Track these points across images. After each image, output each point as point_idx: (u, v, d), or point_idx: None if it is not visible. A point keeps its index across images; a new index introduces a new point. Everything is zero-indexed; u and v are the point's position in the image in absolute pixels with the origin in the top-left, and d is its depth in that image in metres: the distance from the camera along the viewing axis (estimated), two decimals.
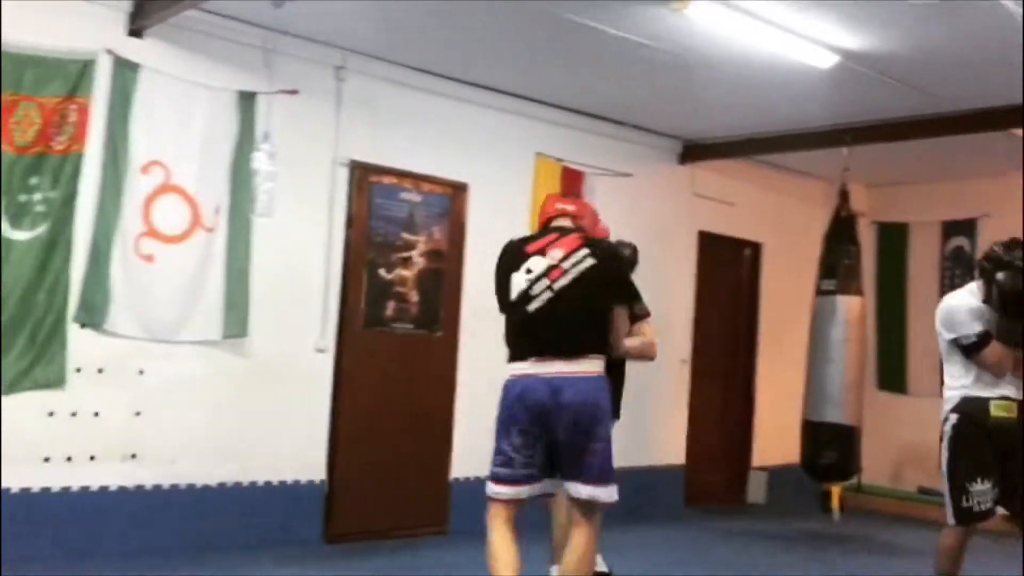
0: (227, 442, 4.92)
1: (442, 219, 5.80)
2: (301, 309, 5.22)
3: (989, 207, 7.63)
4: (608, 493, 3.29)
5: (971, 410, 3.97)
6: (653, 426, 6.98)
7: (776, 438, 7.56)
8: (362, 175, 5.44)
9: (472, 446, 5.84)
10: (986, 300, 3.97)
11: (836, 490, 6.48)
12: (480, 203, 5.95)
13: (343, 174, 5.38)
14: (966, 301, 4.08)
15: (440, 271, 5.78)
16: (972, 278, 8.18)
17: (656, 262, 7.01)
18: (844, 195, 6.45)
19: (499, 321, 5.23)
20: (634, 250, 4.24)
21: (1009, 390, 3.98)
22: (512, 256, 3.44)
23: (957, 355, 4.03)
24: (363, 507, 5.36)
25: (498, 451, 3.40)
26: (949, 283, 7.86)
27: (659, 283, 7.04)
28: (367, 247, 5.46)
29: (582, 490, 3.28)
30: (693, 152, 7.16)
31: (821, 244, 6.49)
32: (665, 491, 6.99)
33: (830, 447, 6.16)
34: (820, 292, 6.38)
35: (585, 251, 3.31)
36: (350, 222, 5.39)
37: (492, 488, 3.38)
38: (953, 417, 4.03)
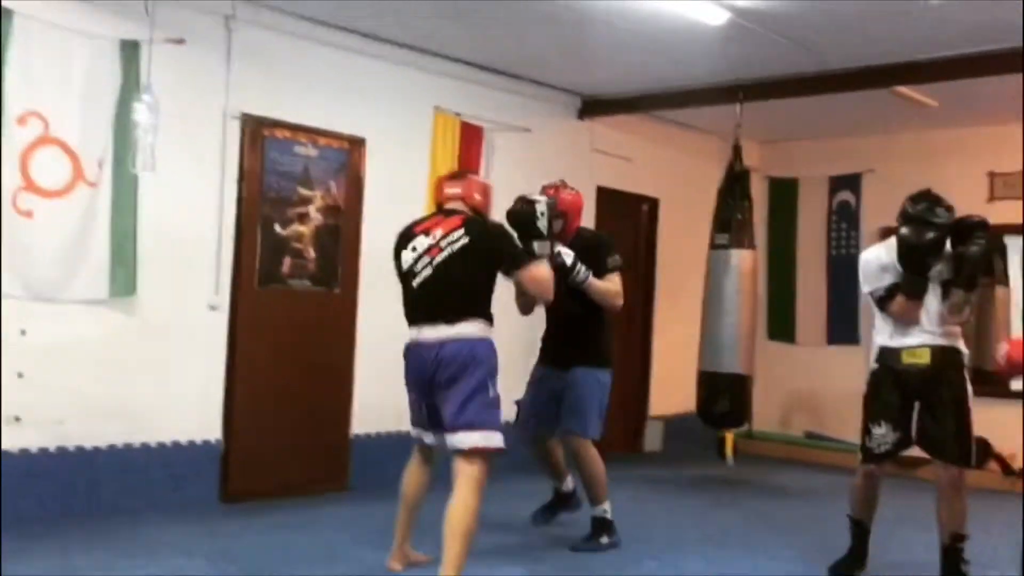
0: (117, 403, 4.79)
1: (339, 174, 5.71)
2: (193, 266, 5.10)
3: (873, 162, 7.93)
4: (479, 439, 3.57)
5: (885, 359, 4.13)
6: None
7: (672, 388, 7.77)
8: (254, 129, 5.31)
9: (373, 402, 5.85)
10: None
11: (730, 436, 6.73)
12: (378, 158, 5.88)
13: (234, 128, 5.24)
14: (876, 255, 4.18)
15: (338, 227, 5.71)
16: (856, 232, 8.59)
17: None
18: (737, 151, 6.58)
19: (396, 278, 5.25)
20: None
21: (924, 337, 4.05)
22: (403, 236, 3.91)
23: (876, 307, 4.18)
24: (261, 466, 5.32)
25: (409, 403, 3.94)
26: (835, 236, 8.18)
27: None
28: (261, 203, 5.34)
29: (452, 438, 3.62)
30: (591, 107, 7.21)
31: (715, 199, 6.64)
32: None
33: (725, 395, 6.36)
34: (714, 246, 6.53)
35: (461, 231, 3.71)
36: (242, 177, 5.26)
37: (412, 429, 4.02)
38: (873, 366, 4.22)
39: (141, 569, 3.91)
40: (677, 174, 7.99)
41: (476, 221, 3.81)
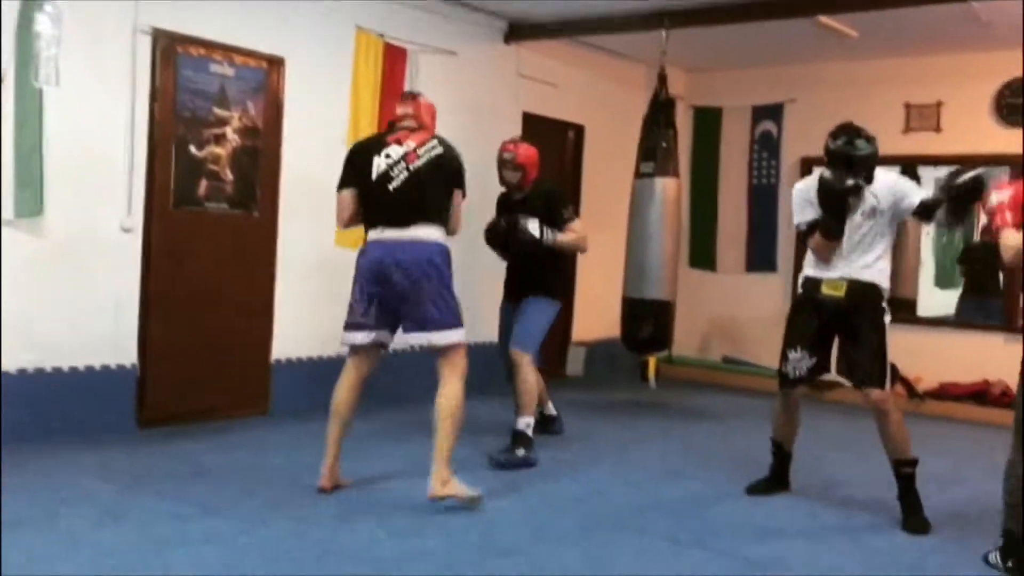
0: (27, 328, 4.64)
1: (257, 94, 5.56)
2: (104, 187, 4.93)
3: (796, 92, 8.02)
4: (445, 336, 3.93)
5: (807, 288, 4.22)
6: (477, 305, 7.09)
7: (596, 315, 7.88)
8: (167, 45, 5.11)
9: (294, 327, 5.81)
10: None
11: (652, 361, 6.86)
12: (298, 78, 5.73)
13: (145, 43, 5.03)
14: (805, 187, 4.22)
15: (256, 149, 5.57)
16: (777, 162, 8.70)
17: (480, 142, 7.01)
18: (663, 79, 6.58)
19: (320, 200, 5.18)
20: None
21: (844, 271, 4.11)
22: (373, 144, 4.15)
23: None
24: (178, 390, 5.25)
25: (350, 307, 4.06)
26: (756, 166, 8.29)
27: (482, 162, 7.05)
28: (175, 123, 5.17)
29: (421, 337, 3.96)
30: (518, 31, 7.11)
31: (641, 127, 6.65)
32: (484, 365, 7.17)
33: (648, 321, 6.46)
34: (639, 174, 6.56)
35: (435, 142, 4.06)
36: (155, 95, 5.08)
37: (344, 337, 4.09)
38: (798, 293, 4.33)
39: (57, 492, 3.85)
40: (603, 101, 7.97)
41: (444, 139, 4.12)
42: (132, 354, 5.09)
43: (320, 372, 5.94)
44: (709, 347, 8.55)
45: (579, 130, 7.94)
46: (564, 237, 4.99)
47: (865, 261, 4.10)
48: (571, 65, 7.66)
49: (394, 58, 6.24)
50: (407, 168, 3.96)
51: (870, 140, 4.03)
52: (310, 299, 5.89)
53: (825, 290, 4.14)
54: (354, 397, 4.11)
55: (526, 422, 4.88)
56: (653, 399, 6.99)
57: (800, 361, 4.22)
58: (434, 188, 3.99)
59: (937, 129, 7.34)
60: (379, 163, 4.00)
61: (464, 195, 4.18)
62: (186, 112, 5.21)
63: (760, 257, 8.21)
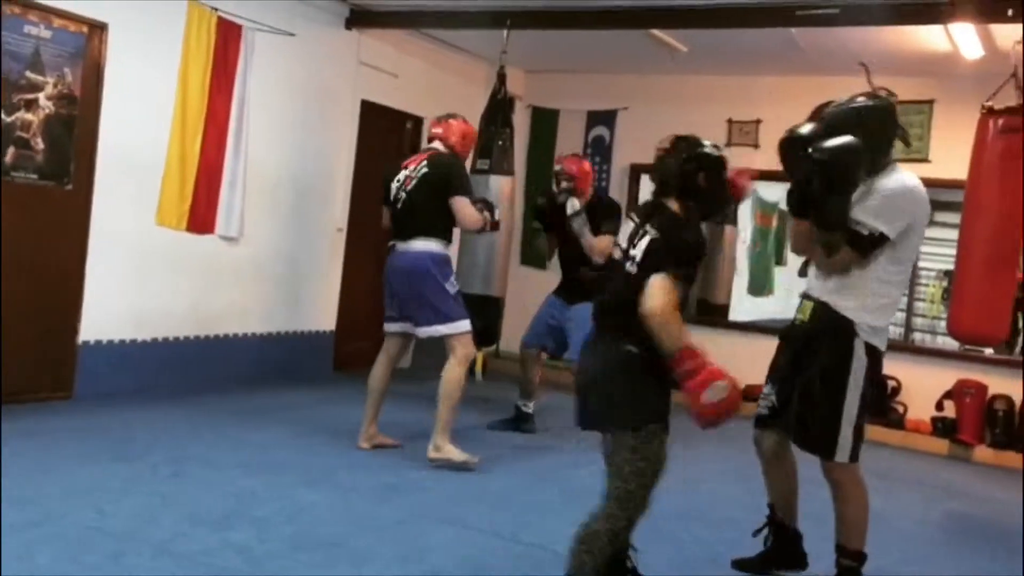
0: None
1: (75, 60, 5.24)
2: None
3: (629, 100, 8.30)
4: (446, 328, 4.71)
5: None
6: (306, 293, 6.99)
7: None
8: None
9: (105, 308, 5.52)
10: None
11: (480, 355, 6.93)
12: (122, 47, 5.43)
13: None
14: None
15: (72, 118, 5.25)
16: (608, 166, 8.95)
17: (317, 128, 6.91)
18: (502, 78, 6.65)
19: (143, 175, 4.99)
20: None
21: (812, 289, 3.37)
22: (396, 169, 4.92)
23: None
24: None
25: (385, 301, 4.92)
26: None
27: (319, 150, 6.95)
28: None
29: (425, 331, 4.77)
30: (360, 18, 7.02)
31: (479, 123, 6.69)
32: (315, 356, 7.08)
33: (478, 316, 6.51)
34: (475, 170, 6.58)
35: (425, 163, 4.79)
36: None
37: (384, 325, 4.98)
38: None
39: None
40: (443, 95, 7.96)
41: (439, 156, 4.82)
42: None
43: (133, 356, 5.69)
44: None
45: (417, 122, 7.92)
46: (591, 241, 5.46)
47: (835, 281, 3.27)
48: (413, 56, 7.63)
49: (228, 34, 6.03)
50: (405, 190, 4.76)
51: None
52: (126, 279, 5.62)
53: (796, 313, 3.42)
54: (385, 374, 4.95)
55: (525, 404, 5.92)
56: (479, 393, 7.07)
57: (767, 396, 3.47)
58: (426, 204, 4.69)
59: (756, 145, 7.76)
60: (392, 187, 4.84)
61: (465, 195, 4.72)
62: None
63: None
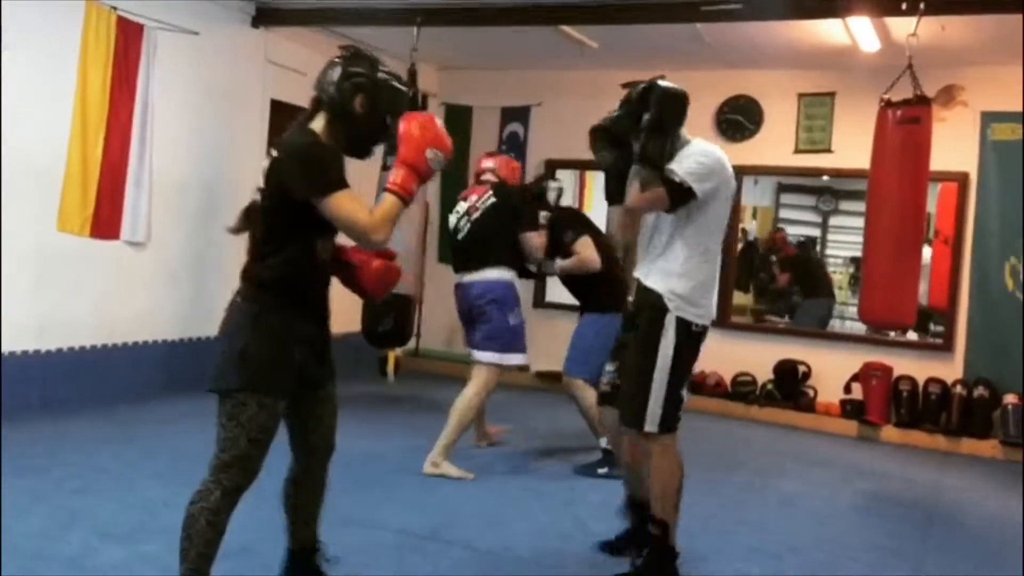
0: None
1: None
2: None
3: (542, 96, 8.34)
4: (488, 357, 4.86)
5: None
6: (217, 297, 6.81)
7: (335, 308, 7.77)
8: None
9: (4, 317, 5.31)
10: None
11: (392, 355, 6.90)
12: (15, 48, 5.22)
13: None
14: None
15: None
16: (523, 162, 8.96)
17: (225, 129, 6.77)
18: (413, 75, 6.61)
19: (43, 180, 4.81)
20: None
21: (640, 269, 3.45)
22: (453, 202, 5.15)
23: None
24: None
25: None
26: None
27: (228, 151, 6.81)
28: None
29: (475, 354, 4.95)
30: (266, 16, 6.90)
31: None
32: None
33: (389, 315, 6.47)
34: (386, 167, 6.53)
35: (490, 193, 4.98)
36: None
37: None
38: None
39: None
40: None
41: (502, 186, 5.02)
42: None
43: (35, 366, 5.49)
44: (455, 340, 8.70)
45: None
46: (564, 264, 5.11)
47: (657, 261, 3.38)
48: (322, 54, 7.34)
49: (129, 34, 5.86)
50: (469, 220, 4.94)
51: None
52: (26, 288, 5.42)
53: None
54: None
55: (604, 440, 4.87)
56: (394, 392, 7.04)
57: (609, 374, 3.59)
58: (490, 234, 4.88)
59: None
60: (452, 219, 5.06)
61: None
62: None
63: None
